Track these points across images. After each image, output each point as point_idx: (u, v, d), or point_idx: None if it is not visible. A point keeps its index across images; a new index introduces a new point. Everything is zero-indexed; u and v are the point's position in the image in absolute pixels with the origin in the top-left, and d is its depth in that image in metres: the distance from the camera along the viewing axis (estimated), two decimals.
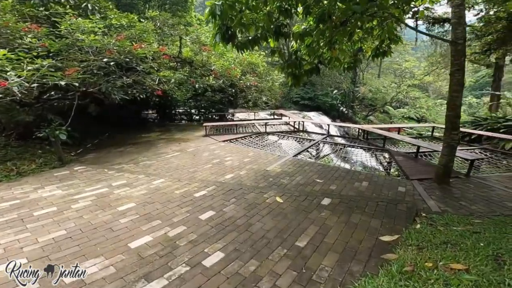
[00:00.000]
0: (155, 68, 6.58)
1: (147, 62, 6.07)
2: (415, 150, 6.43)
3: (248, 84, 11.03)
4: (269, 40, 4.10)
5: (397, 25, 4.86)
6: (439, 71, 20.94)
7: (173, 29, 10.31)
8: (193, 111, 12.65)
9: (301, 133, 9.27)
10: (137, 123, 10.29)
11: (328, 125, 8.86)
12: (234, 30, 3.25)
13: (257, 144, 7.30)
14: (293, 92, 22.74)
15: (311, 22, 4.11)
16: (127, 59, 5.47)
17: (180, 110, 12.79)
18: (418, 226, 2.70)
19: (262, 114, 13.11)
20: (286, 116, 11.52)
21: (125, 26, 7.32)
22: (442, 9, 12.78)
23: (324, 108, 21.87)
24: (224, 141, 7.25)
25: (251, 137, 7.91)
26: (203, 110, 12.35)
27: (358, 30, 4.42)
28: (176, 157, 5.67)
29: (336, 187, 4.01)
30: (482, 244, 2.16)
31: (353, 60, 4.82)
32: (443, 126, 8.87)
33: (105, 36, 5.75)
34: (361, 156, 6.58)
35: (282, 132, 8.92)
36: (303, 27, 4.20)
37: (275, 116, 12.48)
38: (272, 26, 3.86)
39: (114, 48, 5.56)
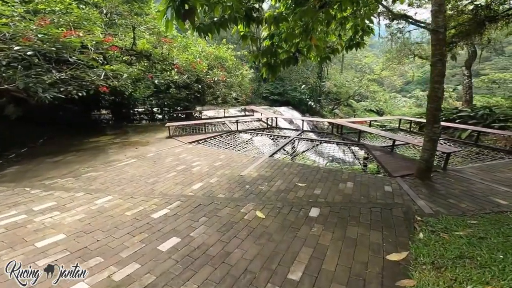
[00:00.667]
0: (100, 61, 5.45)
1: (89, 53, 4.94)
2: (388, 143, 6.44)
3: (216, 79, 10.20)
4: (239, 25, 3.46)
5: (373, 13, 4.64)
6: (395, 66, 22.51)
7: (123, 18, 8.86)
8: (155, 109, 11.40)
9: (275, 130, 8.83)
10: (84, 125, 8.75)
11: (302, 120, 8.56)
12: (193, 4, 2.52)
13: (228, 144, 6.62)
14: (262, 87, 22.44)
15: (285, 6, 3.58)
16: (53, 48, 4.31)
17: (140, 110, 11.41)
18: (421, 235, 2.37)
19: (233, 111, 12.39)
20: (257, 112, 10.99)
21: (59, 13, 5.93)
22: (399, 7, 13.49)
23: (294, 102, 22.03)
24: (191, 142, 6.40)
25: (221, 137, 7.19)
26: (166, 109, 11.19)
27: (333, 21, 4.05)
28: (131, 166, 4.70)
29: (320, 191, 3.58)
30: (501, 256, 1.87)
31: (331, 50, 4.45)
32: (409, 118, 9.38)
33: (22, 21, 4.46)
34: (338, 152, 6.38)
35: (255, 129, 8.35)
36: (275, 13, 3.64)
37: (246, 113, 11.87)
38: (242, 9, 3.21)
39: (39, 35, 4.35)
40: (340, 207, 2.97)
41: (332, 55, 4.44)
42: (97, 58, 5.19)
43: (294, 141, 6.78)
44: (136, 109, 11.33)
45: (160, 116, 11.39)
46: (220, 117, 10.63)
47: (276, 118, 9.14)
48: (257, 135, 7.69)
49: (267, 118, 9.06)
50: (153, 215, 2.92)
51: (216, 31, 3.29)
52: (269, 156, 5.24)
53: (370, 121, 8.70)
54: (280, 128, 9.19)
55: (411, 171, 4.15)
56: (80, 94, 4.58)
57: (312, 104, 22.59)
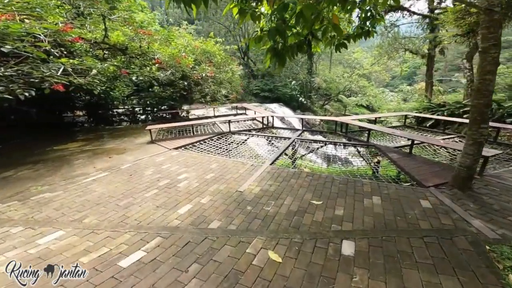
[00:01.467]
0: (56, 54, 4.42)
1: (42, 44, 3.93)
2: (398, 144, 5.82)
3: (204, 75, 9.24)
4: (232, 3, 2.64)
5: None
6: (385, 61, 22.23)
7: (92, 5, 7.64)
8: (138, 109, 10.33)
9: (271, 130, 8.02)
10: (53, 129, 7.61)
11: (302, 119, 7.79)
12: None
13: (221, 148, 5.74)
14: (252, 84, 21.70)
15: None
16: None
17: (120, 110, 10.30)
18: None
19: (223, 110, 11.46)
20: (250, 110, 10.14)
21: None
22: None
23: (284, 99, 21.49)
24: (176, 148, 5.47)
25: (212, 140, 6.29)
26: (149, 109, 10.13)
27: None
28: (101, 181, 3.73)
29: (343, 210, 2.82)
30: None
31: (345, 36, 3.72)
32: (415, 114, 8.85)
33: None
34: (347, 155, 5.68)
35: (249, 130, 7.51)
36: None
37: (238, 111, 10.99)
38: None
39: None
40: (381, 238, 2.22)
41: (347, 41, 3.70)
42: (52, 51, 4.17)
43: (296, 143, 6.01)
44: (115, 110, 10.21)
45: (142, 117, 10.34)
46: (210, 117, 9.71)
47: (273, 117, 8.33)
48: (252, 136, 6.86)
49: (263, 117, 8.24)
50: (121, 262, 2.04)
51: (203, 4, 2.42)
52: (270, 164, 4.43)
53: (376, 118, 8.08)
54: (277, 128, 8.40)
55: (443, 178, 3.48)
56: (26, 94, 3.54)
57: (303, 100, 22.08)
